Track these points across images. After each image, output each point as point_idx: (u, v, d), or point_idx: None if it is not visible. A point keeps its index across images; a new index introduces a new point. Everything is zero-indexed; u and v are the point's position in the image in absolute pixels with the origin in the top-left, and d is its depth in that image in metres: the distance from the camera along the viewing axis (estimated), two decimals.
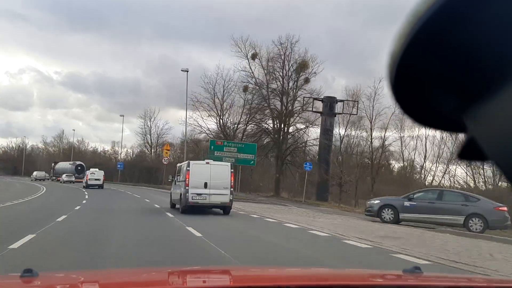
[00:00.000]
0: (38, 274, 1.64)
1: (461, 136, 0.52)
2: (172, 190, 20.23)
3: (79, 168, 61.34)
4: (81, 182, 44.96)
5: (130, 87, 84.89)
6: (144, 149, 74.87)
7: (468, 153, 0.51)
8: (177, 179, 19.40)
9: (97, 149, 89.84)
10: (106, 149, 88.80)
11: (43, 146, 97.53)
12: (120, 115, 64.40)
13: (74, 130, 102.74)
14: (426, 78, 0.47)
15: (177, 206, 19.21)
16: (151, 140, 74.29)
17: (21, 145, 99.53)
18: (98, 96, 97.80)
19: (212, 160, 18.79)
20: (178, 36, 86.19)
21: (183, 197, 17.20)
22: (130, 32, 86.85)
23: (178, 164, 21.25)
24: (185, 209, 17.17)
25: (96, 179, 39.56)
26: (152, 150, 72.91)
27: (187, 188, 17.17)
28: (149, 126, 73.46)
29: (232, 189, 17.73)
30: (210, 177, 17.40)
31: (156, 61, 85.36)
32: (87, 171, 43.59)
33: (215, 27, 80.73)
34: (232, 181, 17.80)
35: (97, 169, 42.63)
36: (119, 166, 60.74)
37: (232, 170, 18.07)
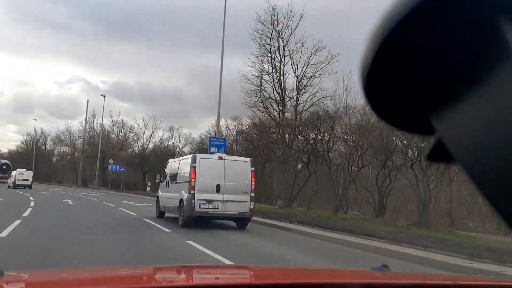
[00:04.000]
0: (3, 273, 1.58)
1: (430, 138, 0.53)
2: (162, 194, 15.42)
3: (4, 167, 54.45)
4: (6, 183, 43.20)
5: (173, 96, 79.53)
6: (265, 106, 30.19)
7: (436, 155, 0.51)
8: (170, 179, 14.60)
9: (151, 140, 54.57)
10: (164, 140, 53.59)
11: (67, 138, 64.93)
12: None
13: (104, 95, 54.86)
14: (396, 81, 0.48)
15: (168, 214, 14.56)
16: (282, 83, 29.51)
17: (39, 137, 72.71)
18: (142, 105, 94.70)
19: (225, 154, 14.01)
20: (219, 44, 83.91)
21: (187, 204, 12.45)
22: (172, 42, 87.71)
23: (172, 160, 16.33)
24: (188, 221, 12.45)
25: (24, 179, 39.50)
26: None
27: (192, 192, 12.41)
28: (280, 49, 29.35)
29: (252, 194, 13.00)
30: (224, 178, 12.66)
31: (197, 70, 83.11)
32: (14, 171, 42.55)
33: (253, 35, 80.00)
34: (253, 183, 13.07)
35: (25, 169, 41.79)
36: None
37: (253, 168, 13.33)
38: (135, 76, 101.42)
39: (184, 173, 13.26)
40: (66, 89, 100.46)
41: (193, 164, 12.63)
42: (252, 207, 12.89)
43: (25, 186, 38.60)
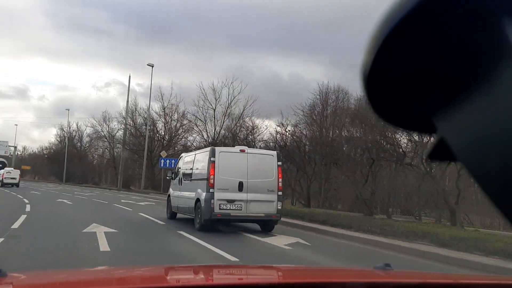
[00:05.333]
0: (6, 274, 1.55)
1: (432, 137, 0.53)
2: (174, 192, 13.81)
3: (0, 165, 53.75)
4: None
5: (208, 97, 79.32)
6: None
7: (438, 154, 0.51)
8: (184, 176, 13.06)
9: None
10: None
11: (105, 130, 53.77)
12: None
13: (152, 65, 41.46)
14: (397, 80, 0.48)
15: (180, 215, 13.18)
16: None
17: (74, 133, 66.37)
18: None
19: (247, 147, 12.37)
20: (252, 45, 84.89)
21: (205, 205, 10.87)
22: (205, 44, 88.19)
23: (185, 154, 14.56)
24: (206, 224, 10.87)
25: (12, 178, 41.46)
26: None
27: (211, 191, 10.82)
28: None
29: (280, 193, 11.32)
30: (248, 174, 11.02)
31: (231, 71, 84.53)
32: (2, 170, 43.97)
33: (288, 34, 78.47)
34: (281, 179, 11.38)
35: (12, 168, 43.75)
36: None
37: (280, 163, 11.62)
38: (169, 78, 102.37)
39: (200, 169, 11.66)
40: (104, 93, 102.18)
41: (212, 159, 11.02)
42: (279, 207, 11.18)
43: (12, 184, 40.63)
